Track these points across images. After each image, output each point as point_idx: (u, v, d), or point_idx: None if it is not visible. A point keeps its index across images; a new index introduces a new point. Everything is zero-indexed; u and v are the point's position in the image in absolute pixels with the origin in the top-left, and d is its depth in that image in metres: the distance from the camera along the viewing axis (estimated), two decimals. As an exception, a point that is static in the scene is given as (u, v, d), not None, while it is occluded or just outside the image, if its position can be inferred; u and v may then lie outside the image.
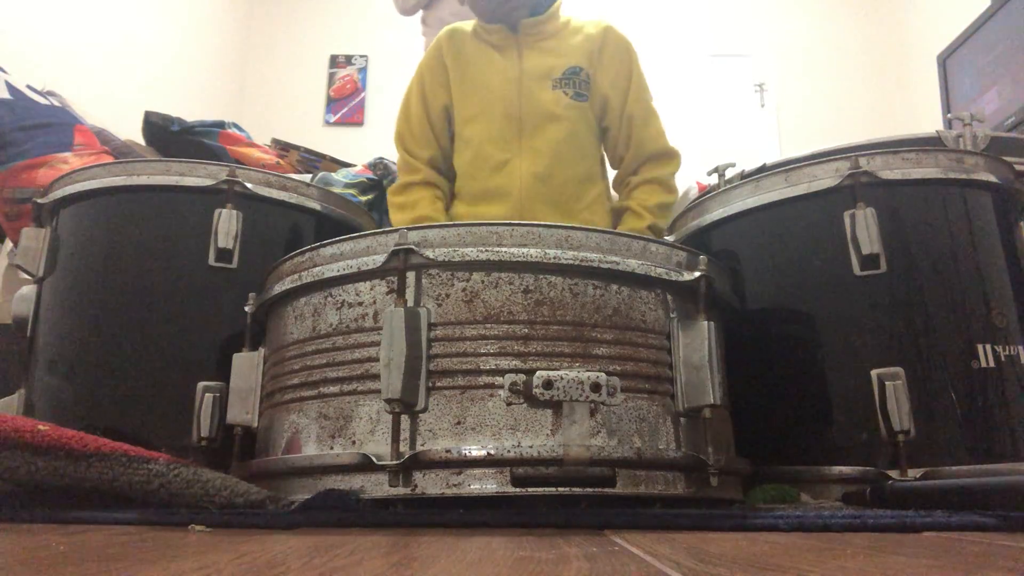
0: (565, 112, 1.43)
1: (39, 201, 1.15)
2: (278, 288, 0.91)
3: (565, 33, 1.49)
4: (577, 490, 0.74)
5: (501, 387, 0.77)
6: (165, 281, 1.05)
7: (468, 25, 1.54)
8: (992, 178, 1.00)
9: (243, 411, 0.94)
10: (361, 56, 4.72)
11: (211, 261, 1.06)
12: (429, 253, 0.80)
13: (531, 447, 0.73)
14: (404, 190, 1.51)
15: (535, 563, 0.45)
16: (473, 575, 0.41)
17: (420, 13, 2.56)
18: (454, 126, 1.52)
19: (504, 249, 0.80)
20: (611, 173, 1.57)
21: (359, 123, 4.65)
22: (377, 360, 0.78)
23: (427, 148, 1.51)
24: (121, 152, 1.93)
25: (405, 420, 0.76)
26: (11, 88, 1.75)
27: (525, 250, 0.80)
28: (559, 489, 0.74)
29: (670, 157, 1.49)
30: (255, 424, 0.93)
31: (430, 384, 0.77)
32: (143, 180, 1.08)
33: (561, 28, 1.50)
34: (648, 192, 1.46)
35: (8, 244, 1.71)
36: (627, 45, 1.51)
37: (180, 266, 1.06)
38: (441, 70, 1.51)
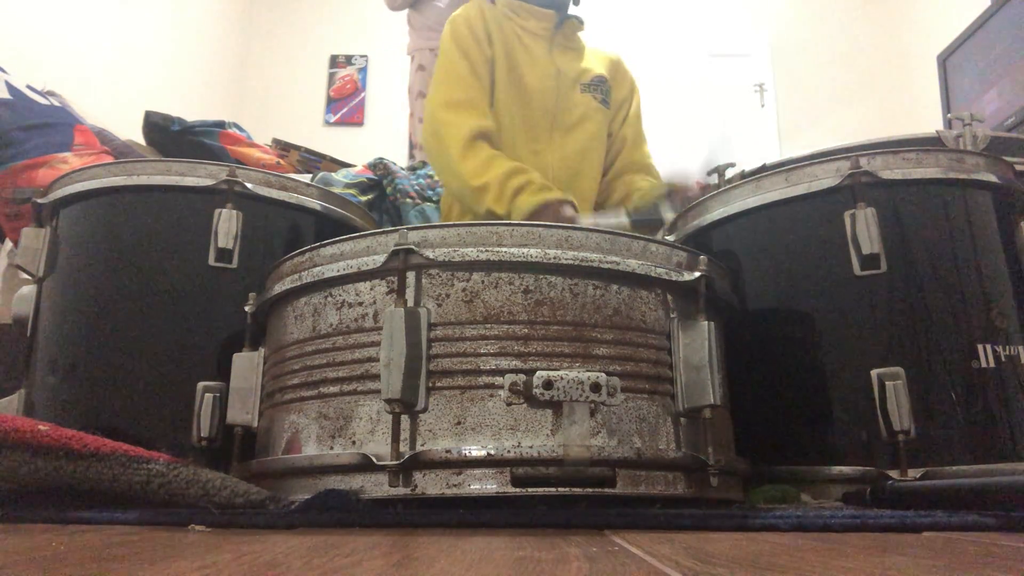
0: (594, 115, 1.50)
1: (39, 201, 1.15)
2: (278, 288, 0.91)
3: (586, 51, 1.58)
4: (577, 490, 0.74)
5: (501, 387, 0.77)
6: (165, 281, 1.05)
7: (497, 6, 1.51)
8: (992, 178, 1.00)
9: (243, 411, 0.94)
10: (361, 56, 4.72)
11: (211, 261, 1.06)
12: (429, 253, 0.80)
13: (531, 447, 0.73)
14: (476, 142, 1.32)
15: (535, 563, 0.45)
16: (473, 575, 0.41)
17: (407, 13, 2.57)
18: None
19: (504, 249, 0.80)
20: None
21: (359, 123, 4.65)
22: (377, 360, 0.78)
23: (488, 97, 1.40)
24: (121, 152, 1.93)
25: (405, 420, 0.76)
26: (11, 88, 1.75)
27: (525, 250, 0.80)
28: (559, 489, 0.74)
29: (656, 177, 1.57)
30: (255, 424, 0.93)
31: (430, 384, 0.77)
32: (143, 180, 1.08)
33: (582, 47, 1.59)
34: (637, 179, 1.52)
35: (8, 244, 1.71)
36: (633, 77, 1.64)
37: (180, 266, 1.06)
38: (484, 26, 1.45)
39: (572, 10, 1.57)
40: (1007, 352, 0.93)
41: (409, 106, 2.62)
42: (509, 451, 0.73)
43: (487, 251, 0.80)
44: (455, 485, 0.74)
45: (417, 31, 2.53)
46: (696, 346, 0.83)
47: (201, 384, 1.01)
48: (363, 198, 1.80)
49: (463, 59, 1.40)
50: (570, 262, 0.80)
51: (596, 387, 0.75)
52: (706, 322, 0.83)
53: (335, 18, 4.77)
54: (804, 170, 1.02)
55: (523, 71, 1.45)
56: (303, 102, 4.64)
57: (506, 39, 1.47)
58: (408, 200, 1.80)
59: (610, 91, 1.55)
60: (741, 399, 0.96)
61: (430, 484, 0.75)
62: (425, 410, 0.77)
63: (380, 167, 1.90)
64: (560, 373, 0.75)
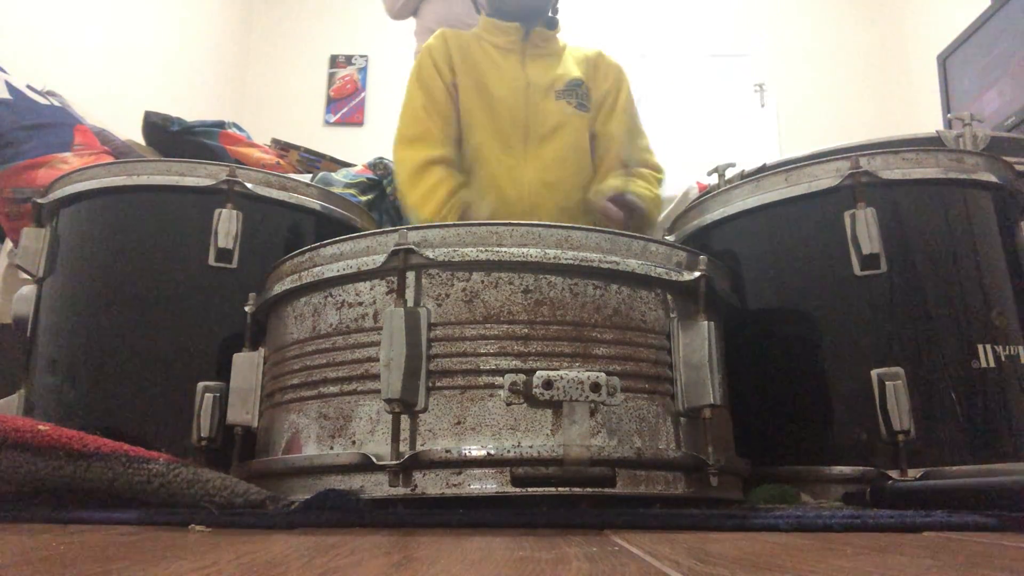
0: (569, 121, 1.48)
1: (39, 201, 1.15)
2: (278, 288, 0.91)
3: (564, 54, 1.56)
4: (577, 490, 0.74)
5: (501, 387, 0.76)
6: (165, 281, 1.05)
7: (466, 31, 1.56)
8: (992, 178, 1.00)
9: (243, 411, 0.94)
10: (361, 56, 4.72)
11: (211, 261, 1.06)
12: (429, 253, 0.80)
13: (531, 447, 0.73)
14: (426, 168, 1.39)
15: (535, 563, 0.45)
16: (473, 575, 0.41)
17: (413, 20, 2.57)
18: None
19: (504, 249, 0.80)
20: None
21: (359, 123, 4.65)
22: (377, 360, 0.78)
23: (448, 125, 1.44)
24: (121, 152, 1.93)
25: (405, 420, 0.76)
26: (11, 88, 1.75)
27: (525, 250, 0.80)
28: (559, 489, 0.74)
29: (656, 170, 1.54)
30: (255, 424, 0.93)
31: (430, 384, 0.77)
32: (143, 180, 1.08)
33: (560, 50, 1.57)
34: (635, 175, 1.48)
35: (8, 244, 1.71)
36: (619, 66, 1.59)
37: (180, 266, 1.06)
38: (446, 55, 1.49)
39: (552, 14, 1.57)
40: (1007, 352, 0.93)
41: None
42: (509, 451, 0.73)
43: (487, 251, 0.80)
44: (455, 485, 0.74)
45: (419, 36, 2.54)
46: (696, 346, 0.83)
47: (201, 384, 1.01)
48: (363, 198, 1.80)
49: (420, 92, 1.46)
50: (570, 262, 0.80)
51: (596, 387, 0.75)
52: (706, 322, 0.83)
53: (335, 18, 4.77)
54: (804, 170, 1.02)
55: (491, 87, 1.46)
56: (303, 102, 4.64)
57: (473, 60, 1.48)
58: (408, 200, 1.80)
59: (588, 93, 1.52)
60: (741, 399, 0.96)
61: (430, 484, 0.75)
62: (425, 410, 0.77)
63: (380, 167, 1.90)
64: (560, 373, 0.75)
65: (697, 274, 0.85)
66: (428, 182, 1.38)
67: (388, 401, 0.76)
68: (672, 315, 0.85)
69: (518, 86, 1.47)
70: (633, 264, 0.83)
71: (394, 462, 0.74)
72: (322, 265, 0.87)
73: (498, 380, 0.77)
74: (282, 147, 2.27)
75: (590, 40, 1.65)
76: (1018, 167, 1.05)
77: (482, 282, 0.80)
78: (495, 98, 1.45)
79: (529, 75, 1.49)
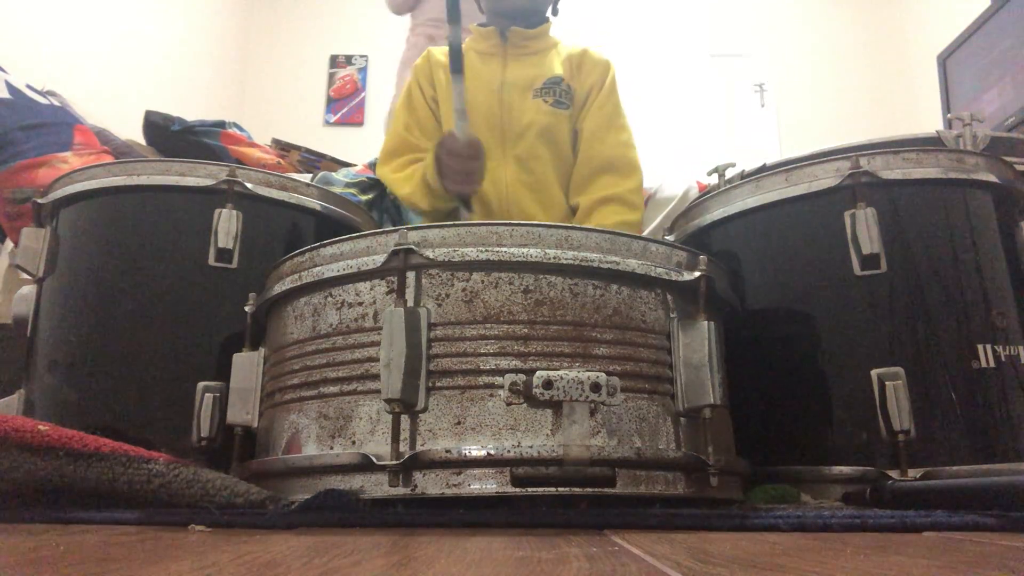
0: (545, 119, 1.46)
1: (39, 201, 1.15)
2: (278, 288, 0.91)
3: (551, 53, 1.55)
4: (577, 490, 0.74)
5: (501, 387, 0.76)
6: (165, 281, 1.05)
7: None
8: (992, 178, 1.00)
9: (243, 411, 0.94)
10: (361, 56, 4.72)
11: (211, 261, 1.06)
12: (429, 253, 0.80)
13: (531, 447, 0.73)
14: (406, 165, 1.48)
15: (535, 563, 0.45)
16: (473, 575, 0.41)
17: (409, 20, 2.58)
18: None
19: (504, 249, 0.80)
20: None
21: (359, 123, 4.66)
22: (377, 360, 0.78)
23: (431, 140, 1.47)
24: (121, 152, 1.93)
25: (405, 420, 0.76)
26: (11, 88, 1.75)
27: (525, 250, 0.80)
28: (559, 489, 0.74)
29: (629, 171, 1.45)
30: (255, 424, 0.93)
31: (430, 384, 0.77)
32: (143, 180, 1.08)
33: (547, 48, 1.55)
34: (606, 213, 1.41)
35: (8, 244, 1.72)
36: (606, 61, 1.55)
37: (180, 266, 1.06)
38: (428, 73, 1.54)
39: (553, 15, 1.58)
40: (1007, 352, 0.93)
41: None
42: (509, 451, 0.73)
43: (487, 251, 0.80)
44: (455, 485, 0.74)
45: (415, 31, 2.53)
46: (696, 346, 0.83)
47: (201, 384, 1.01)
48: (363, 197, 1.80)
49: (404, 113, 1.54)
50: (570, 262, 0.80)
51: (596, 387, 0.75)
52: (706, 322, 0.83)
53: (335, 18, 4.77)
54: (804, 170, 1.02)
55: (471, 93, 1.46)
56: (303, 102, 4.64)
57: None
58: (408, 200, 1.80)
59: (569, 90, 1.50)
60: (741, 399, 0.96)
61: (430, 484, 0.75)
62: (425, 410, 0.77)
63: (380, 167, 1.90)
64: (560, 373, 0.75)
65: (697, 274, 0.85)
66: (407, 171, 1.47)
67: (388, 401, 0.76)
68: (672, 315, 0.85)
69: (492, 88, 1.48)
70: (633, 264, 0.83)
71: (394, 462, 0.74)
72: (322, 265, 0.87)
73: (498, 380, 0.77)
74: (283, 147, 2.27)
75: (588, 39, 1.64)
76: (1018, 167, 1.05)
77: (482, 282, 0.80)
78: (473, 103, 1.45)
79: (507, 76, 1.49)
